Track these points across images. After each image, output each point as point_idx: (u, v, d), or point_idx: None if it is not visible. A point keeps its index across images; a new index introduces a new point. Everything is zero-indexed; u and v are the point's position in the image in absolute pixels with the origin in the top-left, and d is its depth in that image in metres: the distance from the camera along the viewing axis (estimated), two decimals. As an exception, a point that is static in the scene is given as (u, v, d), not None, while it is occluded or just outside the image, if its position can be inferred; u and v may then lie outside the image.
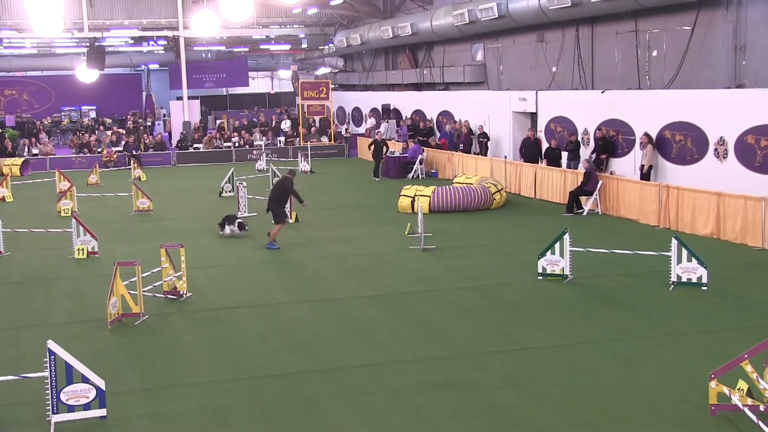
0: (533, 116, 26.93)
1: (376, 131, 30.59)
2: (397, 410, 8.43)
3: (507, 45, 29.96)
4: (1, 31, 39.11)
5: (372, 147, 29.08)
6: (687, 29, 21.14)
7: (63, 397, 8.19)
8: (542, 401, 8.57)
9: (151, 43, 43.41)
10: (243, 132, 39.35)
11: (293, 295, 13.19)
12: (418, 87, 37.11)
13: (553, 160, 23.76)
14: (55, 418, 8.17)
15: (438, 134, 32.64)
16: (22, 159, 32.90)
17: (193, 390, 9.16)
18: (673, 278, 12.91)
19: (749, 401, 7.86)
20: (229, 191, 24.40)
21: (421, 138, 31.49)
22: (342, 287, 13.66)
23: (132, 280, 12.10)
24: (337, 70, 49.43)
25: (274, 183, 19.59)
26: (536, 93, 26.44)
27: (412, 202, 20.56)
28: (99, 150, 35.53)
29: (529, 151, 24.96)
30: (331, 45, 44.71)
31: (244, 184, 21.48)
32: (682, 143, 20.31)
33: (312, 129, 39.42)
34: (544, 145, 25.17)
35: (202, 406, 8.70)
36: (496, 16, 27.03)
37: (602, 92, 23.50)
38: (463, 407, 8.44)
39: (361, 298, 12.90)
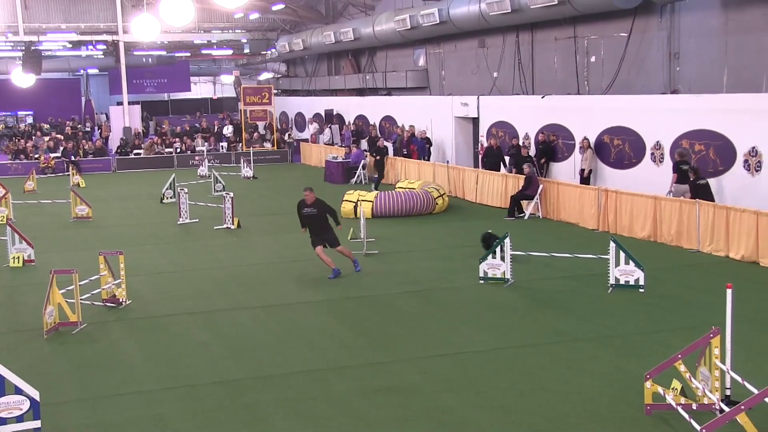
0: (475, 121, 27.17)
1: (379, 139, 29.33)
2: (339, 416, 8.43)
3: (449, 50, 30.20)
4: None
5: (376, 157, 27.53)
6: (623, 36, 21.58)
7: (-5, 409, 8.01)
8: (483, 404, 8.65)
9: (90, 47, 42.62)
10: (185, 137, 38.94)
11: (234, 302, 13.09)
12: (360, 92, 37.17)
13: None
14: (-12, 431, 7.99)
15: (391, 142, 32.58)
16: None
17: (132, 399, 9.02)
18: (612, 281, 13.14)
19: (682, 400, 8.04)
20: (171, 197, 24.12)
21: (370, 148, 31.25)
22: (283, 293, 13.59)
23: (69, 288, 11.88)
24: (279, 75, 49.26)
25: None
26: (478, 98, 26.68)
27: (355, 207, 20.59)
28: (36, 156, 34.82)
29: (492, 159, 24.23)
30: (273, 50, 44.52)
31: (186, 190, 21.26)
32: (620, 147, 20.69)
33: (255, 134, 39.18)
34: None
35: (141, 415, 8.57)
36: (438, 21, 27.24)
37: (542, 97, 23.82)
38: (404, 411, 8.47)
39: (302, 304, 12.86)
